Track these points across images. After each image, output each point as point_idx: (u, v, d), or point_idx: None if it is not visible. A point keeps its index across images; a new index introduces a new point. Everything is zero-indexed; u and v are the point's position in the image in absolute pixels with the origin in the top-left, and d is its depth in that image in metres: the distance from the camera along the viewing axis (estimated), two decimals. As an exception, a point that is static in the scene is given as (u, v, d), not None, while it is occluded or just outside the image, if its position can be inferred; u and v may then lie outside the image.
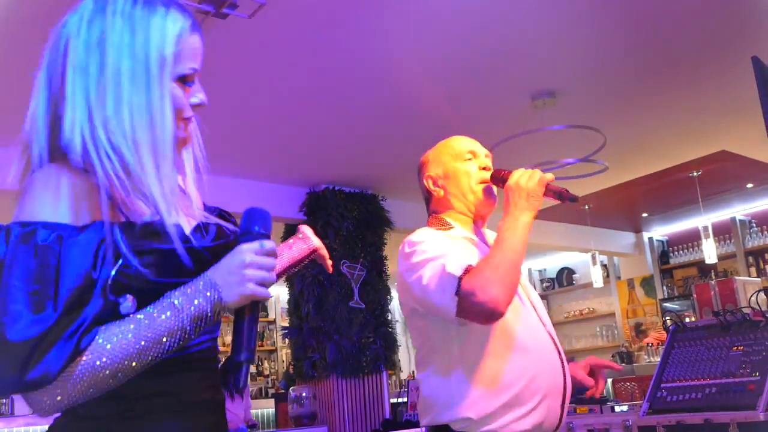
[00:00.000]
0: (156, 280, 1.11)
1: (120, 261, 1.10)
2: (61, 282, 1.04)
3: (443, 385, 1.89)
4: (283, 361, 10.69)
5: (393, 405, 6.95)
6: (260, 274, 1.12)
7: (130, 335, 1.06)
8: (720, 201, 8.34)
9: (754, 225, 8.65)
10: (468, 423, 1.83)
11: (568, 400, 1.96)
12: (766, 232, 8.46)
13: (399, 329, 12.83)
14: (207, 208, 1.34)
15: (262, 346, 11.09)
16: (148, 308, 1.09)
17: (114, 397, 1.11)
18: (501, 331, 1.87)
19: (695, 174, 7.17)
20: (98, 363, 1.04)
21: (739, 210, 8.71)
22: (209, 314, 1.10)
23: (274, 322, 11.34)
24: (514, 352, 1.87)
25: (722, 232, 8.76)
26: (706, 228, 7.53)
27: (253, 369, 9.85)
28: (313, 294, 6.42)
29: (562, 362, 1.95)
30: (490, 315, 1.76)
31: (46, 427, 1.20)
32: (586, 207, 8.12)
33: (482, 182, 2.14)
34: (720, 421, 2.32)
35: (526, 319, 1.93)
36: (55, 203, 1.09)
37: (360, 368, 6.43)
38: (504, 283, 1.75)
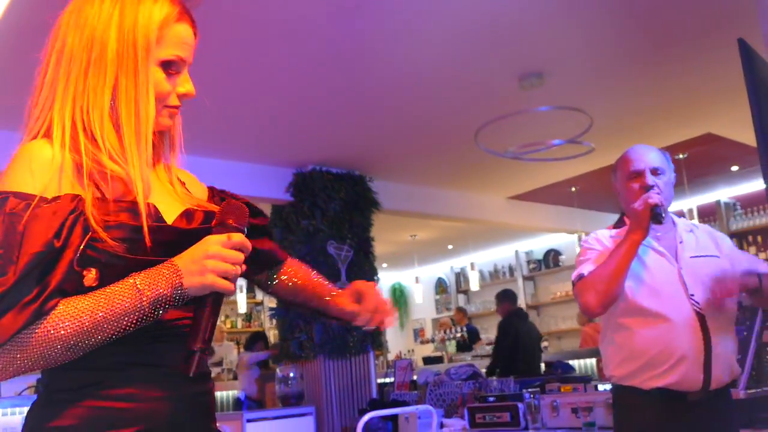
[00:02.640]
0: (124, 256, 1.13)
1: (89, 234, 1.12)
2: (23, 248, 1.07)
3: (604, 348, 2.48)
4: (271, 342, 10.70)
5: (380, 385, 6.99)
6: (222, 266, 1.14)
7: (88, 311, 1.09)
8: (705, 184, 8.39)
9: (739, 208, 8.71)
10: (614, 379, 2.40)
11: (714, 365, 2.24)
12: (750, 215, 8.53)
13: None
14: (213, 192, 1.42)
15: (249, 327, 11.10)
16: (111, 286, 1.11)
17: (90, 368, 1.14)
18: (633, 308, 2.32)
19: (681, 156, 7.20)
20: (53, 333, 1.06)
21: (724, 193, 8.76)
22: (169, 298, 1.12)
23: (261, 303, 11.35)
24: (646, 324, 2.29)
25: (707, 214, 8.82)
26: (691, 210, 7.57)
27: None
28: (301, 275, 6.42)
29: (705, 330, 2.25)
30: (586, 313, 2.37)
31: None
32: (573, 189, 8.16)
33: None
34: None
35: (666, 294, 2.30)
36: (31, 175, 1.13)
37: (347, 349, 6.46)
38: (600, 291, 2.27)
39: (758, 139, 2.86)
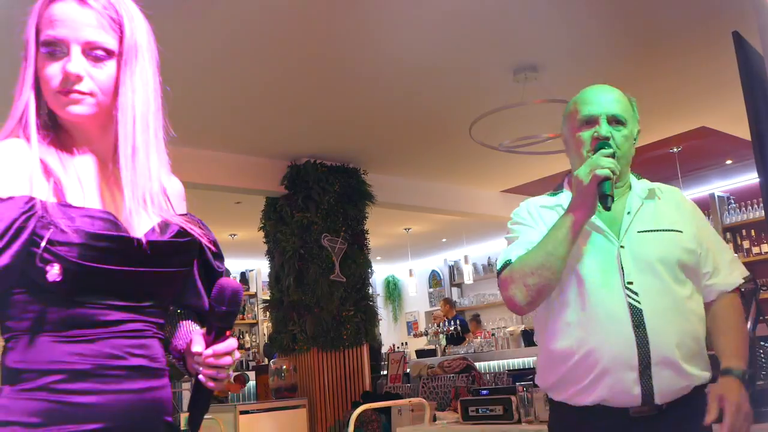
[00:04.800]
0: (78, 262, 1.14)
1: (48, 236, 1.13)
2: None
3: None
4: (264, 335, 10.70)
5: (373, 378, 7.00)
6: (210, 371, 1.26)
7: None
8: (699, 177, 8.41)
9: (733, 201, 8.73)
10: (543, 389, 1.97)
11: (656, 375, 1.75)
12: (744, 209, 8.55)
13: (380, 303, 12.92)
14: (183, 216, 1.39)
15: (243, 319, 11.10)
16: None
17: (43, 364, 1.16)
18: (561, 306, 1.85)
19: (675, 150, 7.21)
20: None
21: (718, 186, 8.78)
22: None
23: (255, 295, 11.34)
24: (566, 326, 1.83)
25: (701, 208, 8.69)
26: (685, 204, 7.55)
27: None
28: (294, 267, 6.42)
29: (640, 330, 1.75)
30: (511, 308, 1.86)
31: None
32: (567, 182, 8.15)
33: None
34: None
35: (594, 284, 1.80)
36: None
37: (341, 341, 6.46)
38: (527, 284, 1.78)
39: (752, 133, 2.86)
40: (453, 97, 5.39)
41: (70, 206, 1.18)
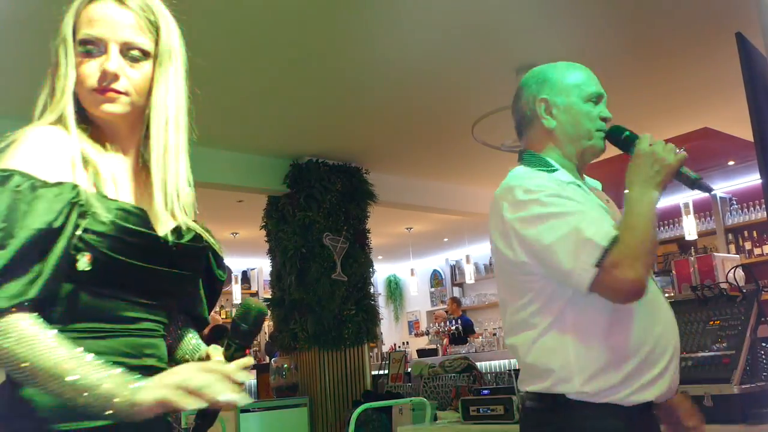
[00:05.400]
0: (110, 255, 1.15)
1: (84, 224, 1.14)
2: (24, 223, 1.08)
3: (557, 351, 1.67)
4: (266, 333, 10.70)
5: (374, 377, 7.00)
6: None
7: (42, 348, 1.06)
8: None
9: (735, 202, 8.71)
10: (588, 396, 1.64)
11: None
12: (746, 210, 8.53)
13: (381, 302, 12.92)
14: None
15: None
16: (76, 349, 1.09)
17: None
18: None
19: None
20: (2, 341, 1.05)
21: (720, 187, 8.76)
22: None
23: (256, 293, 11.35)
24: (639, 314, 1.67)
25: (703, 209, 8.82)
26: (686, 205, 7.57)
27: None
28: (296, 266, 6.42)
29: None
30: (630, 293, 1.60)
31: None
32: (569, 182, 8.14)
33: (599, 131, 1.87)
34: (695, 393, 2.35)
35: None
36: (38, 158, 1.15)
37: (342, 340, 6.46)
38: (647, 262, 1.59)
39: (755, 134, 2.85)
40: (455, 96, 5.39)
41: (106, 198, 1.19)
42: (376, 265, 7.63)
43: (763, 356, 2.54)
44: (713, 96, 5.83)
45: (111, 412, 1.05)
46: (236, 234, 9.44)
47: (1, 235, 1.06)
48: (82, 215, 1.14)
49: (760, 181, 3.01)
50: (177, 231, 1.28)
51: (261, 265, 11.10)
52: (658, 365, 1.67)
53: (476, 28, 4.39)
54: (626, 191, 1.71)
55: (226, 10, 3.92)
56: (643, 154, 1.72)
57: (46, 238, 1.09)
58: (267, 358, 9.06)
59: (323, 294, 6.37)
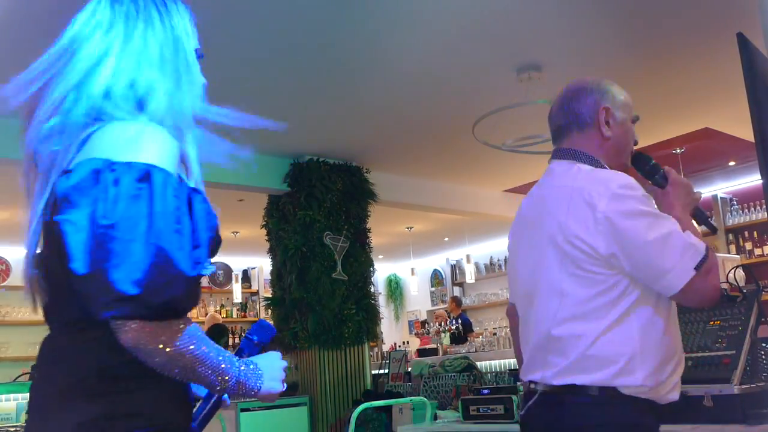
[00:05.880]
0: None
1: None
2: (201, 228, 1.18)
3: (625, 344, 1.70)
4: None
5: (374, 376, 7.00)
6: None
7: (208, 350, 1.18)
8: (702, 178, 8.40)
9: (735, 203, 8.71)
10: (643, 390, 1.70)
11: None
12: (746, 211, 8.53)
13: (381, 301, 12.92)
14: None
15: (245, 317, 11.10)
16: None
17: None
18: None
19: (678, 151, 7.20)
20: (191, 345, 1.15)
21: (721, 188, 8.77)
22: (242, 392, 1.23)
23: (257, 293, 11.35)
24: (675, 319, 1.81)
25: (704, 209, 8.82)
26: (687, 205, 7.54)
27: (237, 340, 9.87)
28: (296, 265, 6.42)
29: None
30: (713, 300, 1.72)
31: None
32: (570, 182, 8.14)
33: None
34: (695, 393, 2.35)
35: None
36: (167, 155, 1.19)
37: (342, 339, 6.46)
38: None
39: (756, 135, 2.86)
40: (456, 96, 5.39)
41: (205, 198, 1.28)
42: (377, 265, 7.62)
43: (763, 356, 2.54)
44: (714, 96, 5.83)
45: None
46: (237, 233, 9.44)
47: (182, 239, 1.13)
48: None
49: (760, 181, 3.01)
50: None
51: (261, 264, 11.10)
52: (683, 367, 1.79)
53: (477, 28, 4.39)
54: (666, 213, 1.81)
55: (226, 9, 3.92)
56: (683, 183, 1.89)
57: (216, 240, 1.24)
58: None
59: (324, 293, 6.37)
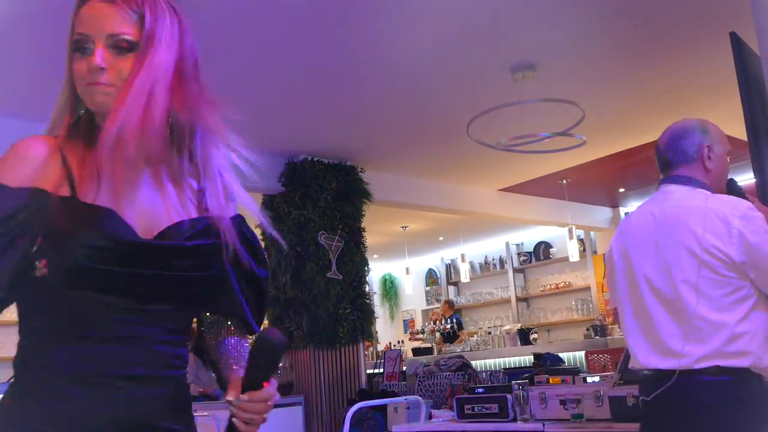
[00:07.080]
0: (74, 260, 1.14)
1: (43, 230, 1.16)
2: None
3: (756, 335, 2.10)
4: (261, 332, 10.70)
5: (369, 375, 7.00)
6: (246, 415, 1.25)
7: None
8: (696, 177, 8.41)
9: (729, 201, 8.73)
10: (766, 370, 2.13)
11: None
12: (739, 209, 8.55)
13: (376, 301, 12.92)
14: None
15: (239, 316, 11.07)
16: None
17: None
18: None
19: (672, 150, 7.21)
20: None
21: (714, 186, 8.78)
22: None
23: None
24: None
25: (697, 208, 8.84)
26: (681, 204, 7.55)
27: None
28: (291, 265, 6.42)
29: None
30: None
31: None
32: (564, 181, 8.16)
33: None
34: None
35: None
36: (11, 167, 1.19)
37: (337, 339, 6.46)
38: None
39: (749, 133, 2.87)
40: (451, 95, 5.39)
41: (75, 202, 1.17)
42: (372, 264, 7.63)
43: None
44: (707, 95, 5.84)
45: None
46: (231, 232, 9.42)
47: None
48: (42, 219, 1.15)
49: (753, 179, 3.02)
50: (178, 227, 1.25)
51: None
52: None
53: (471, 27, 4.39)
54: None
55: (222, 8, 3.91)
56: (765, 210, 2.21)
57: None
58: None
59: (318, 293, 6.37)
